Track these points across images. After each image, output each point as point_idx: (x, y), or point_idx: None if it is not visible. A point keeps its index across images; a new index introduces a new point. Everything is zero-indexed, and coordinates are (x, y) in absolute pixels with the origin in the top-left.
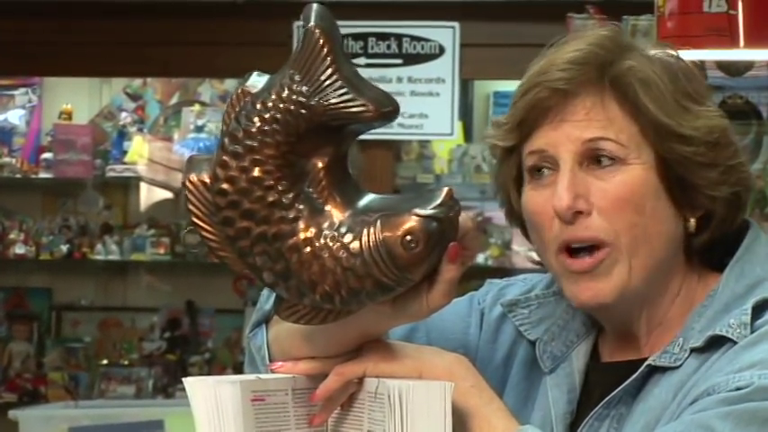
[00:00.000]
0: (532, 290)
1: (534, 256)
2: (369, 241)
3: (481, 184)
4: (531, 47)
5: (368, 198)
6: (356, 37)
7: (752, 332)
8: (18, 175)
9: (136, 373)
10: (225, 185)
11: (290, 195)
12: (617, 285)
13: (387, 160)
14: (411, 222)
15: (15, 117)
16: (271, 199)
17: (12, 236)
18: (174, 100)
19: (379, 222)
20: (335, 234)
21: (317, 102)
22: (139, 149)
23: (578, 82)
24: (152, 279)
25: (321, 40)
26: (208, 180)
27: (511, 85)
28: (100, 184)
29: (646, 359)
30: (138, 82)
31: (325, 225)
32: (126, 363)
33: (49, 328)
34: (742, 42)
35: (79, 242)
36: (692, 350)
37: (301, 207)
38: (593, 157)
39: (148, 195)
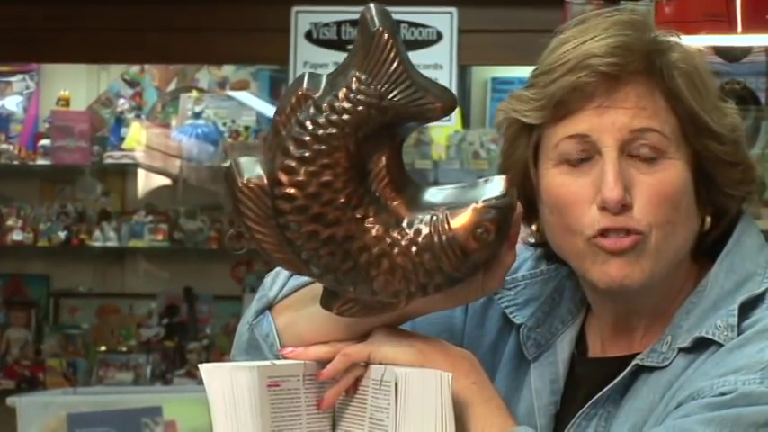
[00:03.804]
0: (519, 269)
1: (530, 239)
2: (439, 236)
3: (479, 170)
4: (529, 32)
5: (428, 191)
6: (354, 23)
7: (739, 333)
8: (16, 162)
9: (134, 360)
10: (292, 190)
11: (357, 195)
12: (644, 272)
13: None
14: (480, 214)
15: (13, 103)
16: (340, 201)
17: (9, 222)
18: (172, 86)
19: (448, 216)
20: (404, 230)
21: (388, 102)
22: (137, 136)
23: (629, 69)
24: (150, 266)
25: (390, 43)
26: (263, 183)
27: (509, 71)
28: (98, 171)
29: (637, 354)
30: (135, 68)
31: (392, 222)
32: (124, 349)
33: (47, 314)
34: (740, 28)
35: (77, 229)
36: (680, 350)
37: (368, 206)
38: (634, 147)
39: (146, 182)
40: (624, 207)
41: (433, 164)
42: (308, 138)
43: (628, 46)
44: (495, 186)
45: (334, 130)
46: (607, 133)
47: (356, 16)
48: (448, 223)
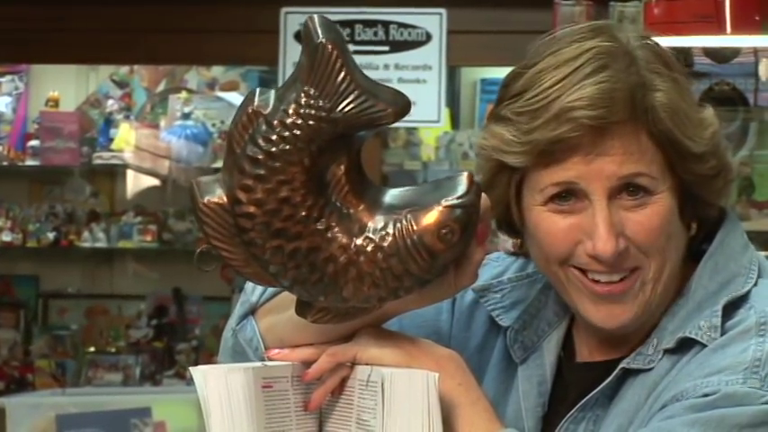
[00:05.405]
0: (505, 272)
1: (511, 247)
2: (404, 239)
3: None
4: (518, 33)
5: (389, 194)
6: (343, 24)
7: (722, 333)
8: (5, 163)
9: (123, 361)
10: (251, 208)
11: (318, 207)
12: (641, 306)
13: (374, 147)
14: (444, 214)
15: (2, 104)
16: (301, 215)
17: None
18: (161, 87)
19: (411, 219)
20: (368, 237)
21: (338, 114)
22: (126, 137)
23: (614, 119)
24: (139, 266)
25: (334, 54)
26: (223, 202)
27: (498, 72)
28: (87, 172)
29: (624, 357)
30: (124, 69)
31: (356, 230)
32: (113, 350)
33: (36, 315)
34: (729, 29)
35: (66, 230)
36: (665, 351)
37: (330, 216)
38: (623, 189)
39: (135, 183)
40: (618, 255)
41: (422, 165)
42: (261, 156)
43: (611, 93)
44: (459, 185)
45: (287, 146)
46: (596, 182)
47: (345, 17)
48: (412, 226)
